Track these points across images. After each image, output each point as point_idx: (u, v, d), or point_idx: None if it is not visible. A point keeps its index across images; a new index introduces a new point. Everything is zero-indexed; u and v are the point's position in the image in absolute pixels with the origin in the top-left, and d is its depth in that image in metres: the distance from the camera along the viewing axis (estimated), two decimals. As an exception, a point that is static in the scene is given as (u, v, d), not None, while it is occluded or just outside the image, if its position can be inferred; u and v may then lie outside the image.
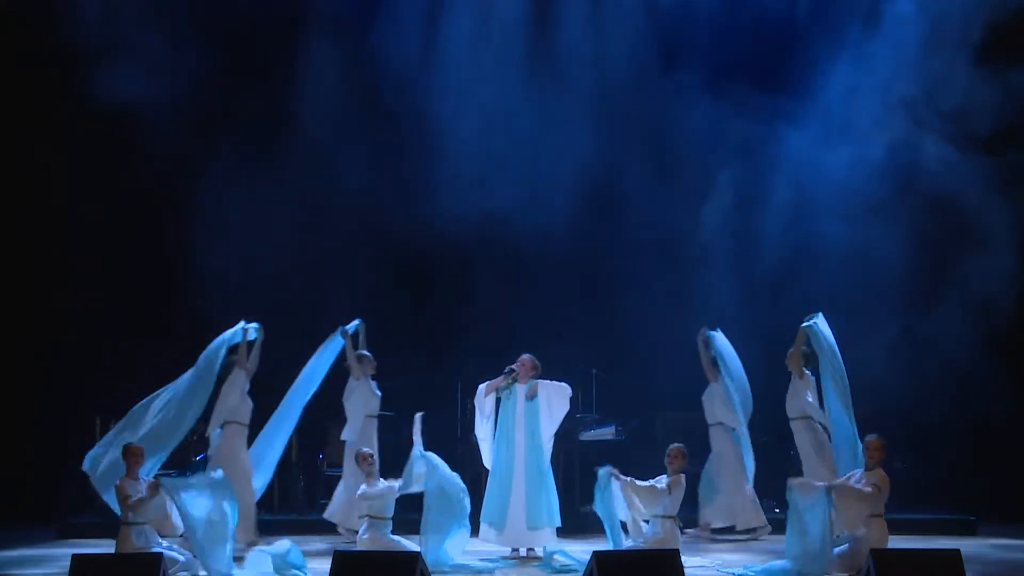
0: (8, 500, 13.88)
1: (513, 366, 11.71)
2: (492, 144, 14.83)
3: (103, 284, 14.63)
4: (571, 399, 11.77)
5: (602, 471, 10.81)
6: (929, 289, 14.15)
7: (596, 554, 9.17)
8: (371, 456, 11.19)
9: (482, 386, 11.76)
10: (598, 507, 10.80)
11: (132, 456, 10.79)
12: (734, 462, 12.72)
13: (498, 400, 11.70)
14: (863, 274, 14.39)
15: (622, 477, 10.81)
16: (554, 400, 11.61)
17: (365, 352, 12.78)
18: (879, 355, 13.62)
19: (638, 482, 10.86)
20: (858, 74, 14.52)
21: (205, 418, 12.17)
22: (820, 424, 11.99)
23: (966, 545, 10.23)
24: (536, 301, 15.03)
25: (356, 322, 12.83)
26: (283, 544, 10.61)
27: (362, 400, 12.62)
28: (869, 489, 10.27)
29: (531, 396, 11.61)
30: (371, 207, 15.03)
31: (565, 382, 11.74)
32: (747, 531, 12.64)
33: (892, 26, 14.39)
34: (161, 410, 11.71)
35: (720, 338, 12.80)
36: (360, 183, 14.70)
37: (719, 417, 12.88)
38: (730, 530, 12.69)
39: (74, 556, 9.15)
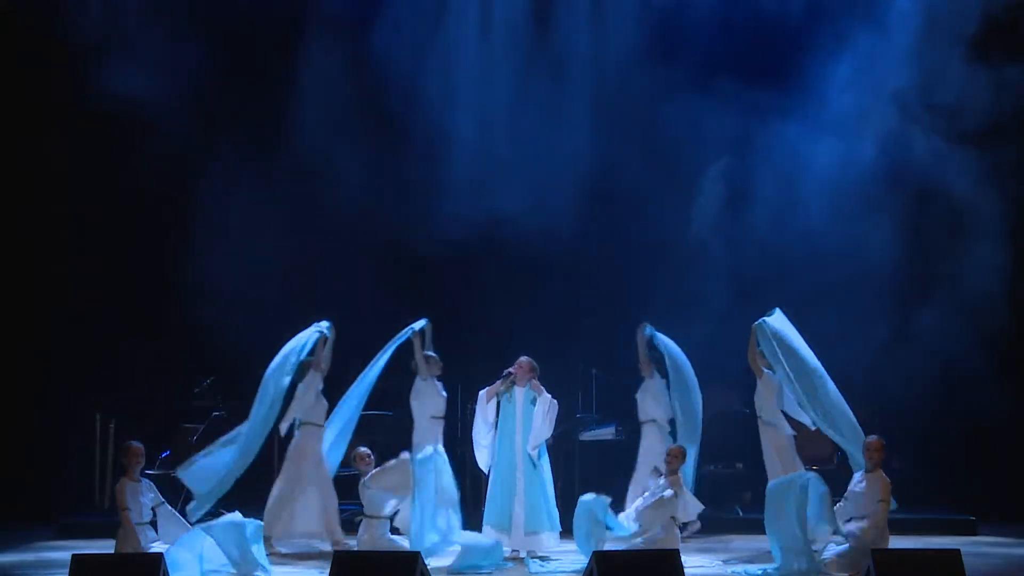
0: (8, 500, 13.87)
1: (511, 369, 11.70)
2: (492, 145, 14.82)
3: (103, 284, 14.63)
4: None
5: (612, 517, 10.83)
6: (927, 287, 14.12)
7: (596, 554, 9.16)
8: (368, 456, 11.17)
9: (482, 393, 11.76)
10: (586, 530, 10.75)
11: (133, 456, 10.77)
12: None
13: (498, 404, 11.70)
14: (863, 273, 14.38)
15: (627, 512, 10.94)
16: (545, 418, 11.56)
17: (431, 353, 12.67)
18: (877, 354, 13.62)
19: (643, 502, 10.92)
20: (858, 71, 14.51)
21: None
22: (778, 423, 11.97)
23: (966, 545, 10.23)
24: (536, 301, 15.00)
25: (423, 321, 12.71)
26: None
27: (429, 401, 12.50)
28: (881, 505, 10.50)
29: (537, 392, 11.57)
30: (371, 207, 15.01)
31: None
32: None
33: (888, 21, 14.39)
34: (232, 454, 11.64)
35: (661, 335, 12.71)
36: (360, 183, 14.68)
37: (651, 414, 12.78)
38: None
39: (74, 556, 9.14)
